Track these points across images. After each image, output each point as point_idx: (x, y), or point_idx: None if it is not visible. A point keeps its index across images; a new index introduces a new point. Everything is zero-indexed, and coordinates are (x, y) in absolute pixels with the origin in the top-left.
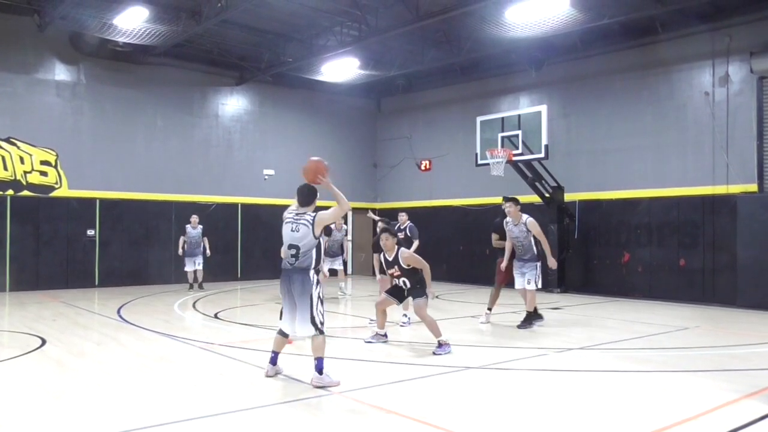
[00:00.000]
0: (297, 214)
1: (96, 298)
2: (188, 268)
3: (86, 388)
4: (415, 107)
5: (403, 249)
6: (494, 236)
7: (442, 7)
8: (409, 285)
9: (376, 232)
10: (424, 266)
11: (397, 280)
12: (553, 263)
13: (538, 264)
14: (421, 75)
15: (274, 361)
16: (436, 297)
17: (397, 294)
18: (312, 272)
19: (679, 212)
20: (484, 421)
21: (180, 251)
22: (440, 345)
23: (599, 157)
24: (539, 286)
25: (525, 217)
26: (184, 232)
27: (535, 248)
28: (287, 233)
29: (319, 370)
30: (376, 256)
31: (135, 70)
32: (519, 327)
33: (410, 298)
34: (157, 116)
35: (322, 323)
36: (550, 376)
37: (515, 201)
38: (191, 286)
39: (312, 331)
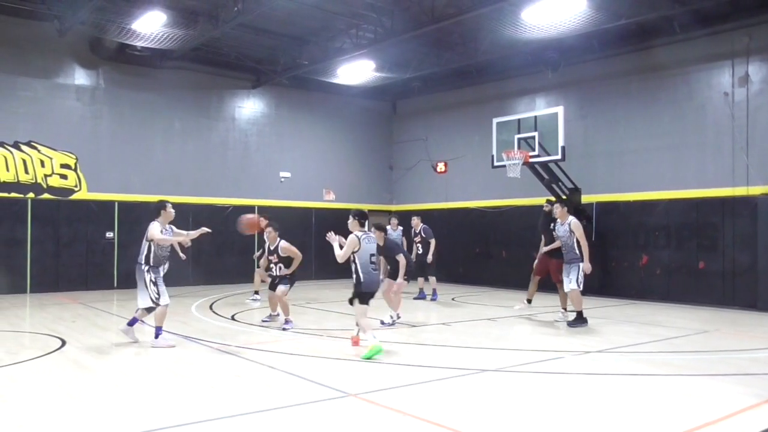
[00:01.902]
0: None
1: (114, 299)
2: None
3: (105, 388)
4: (430, 109)
5: (282, 241)
6: (544, 237)
7: (458, 9)
8: (282, 272)
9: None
10: (297, 256)
11: (274, 266)
12: (587, 267)
13: (580, 264)
14: (436, 77)
15: (132, 323)
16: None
17: (273, 286)
18: (143, 264)
19: (698, 214)
20: (500, 425)
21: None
22: (287, 321)
23: (617, 158)
24: (580, 287)
25: (570, 218)
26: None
27: (577, 249)
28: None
29: (156, 335)
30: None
31: (153, 74)
32: (569, 325)
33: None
34: (174, 119)
35: (157, 298)
36: (567, 379)
37: (562, 203)
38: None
39: (149, 303)
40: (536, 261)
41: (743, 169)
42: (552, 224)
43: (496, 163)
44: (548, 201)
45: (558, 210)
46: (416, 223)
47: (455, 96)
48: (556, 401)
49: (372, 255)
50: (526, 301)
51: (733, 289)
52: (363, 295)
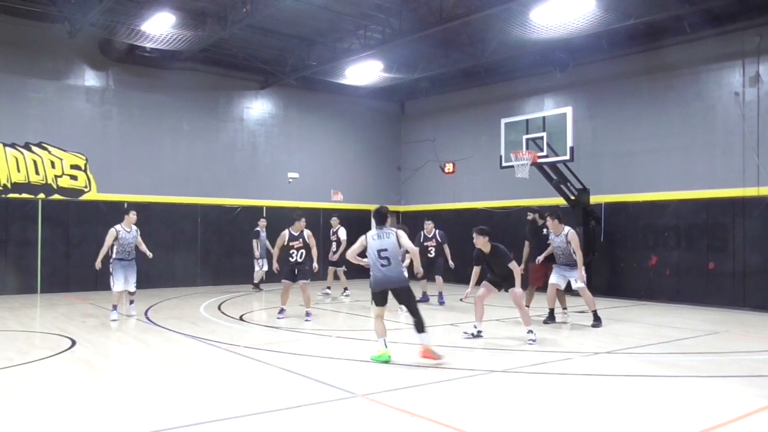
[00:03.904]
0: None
1: (124, 300)
2: (258, 268)
3: (115, 388)
4: (438, 110)
5: (308, 231)
6: (527, 244)
7: (466, 9)
8: (303, 258)
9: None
10: (314, 246)
11: (295, 252)
12: (582, 276)
13: (583, 269)
14: (444, 77)
15: (115, 308)
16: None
17: (292, 277)
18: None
19: (708, 214)
20: (509, 426)
21: (256, 253)
22: (308, 314)
23: (625, 159)
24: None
25: (567, 229)
26: (257, 236)
27: (575, 256)
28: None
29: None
30: (476, 269)
31: (162, 75)
32: (593, 326)
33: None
34: (183, 120)
35: (112, 285)
36: (575, 380)
37: (555, 215)
38: (256, 286)
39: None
40: (531, 271)
41: (754, 169)
42: (541, 232)
43: (504, 164)
44: (531, 210)
45: (550, 223)
46: (429, 227)
47: (463, 96)
48: (564, 402)
49: (380, 251)
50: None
51: (744, 290)
52: (373, 295)
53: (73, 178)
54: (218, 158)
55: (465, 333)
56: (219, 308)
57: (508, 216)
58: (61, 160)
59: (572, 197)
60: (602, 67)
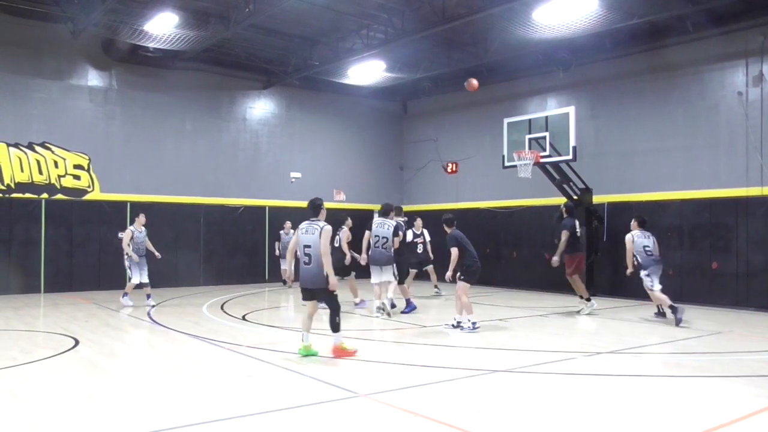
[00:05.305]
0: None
1: (142, 294)
2: (284, 267)
3: (117, 388)
4: (441, 109)
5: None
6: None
7: (469, 9)
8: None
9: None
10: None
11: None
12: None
13: (641, 272)
14: (447, 77)
15: (126, 295)
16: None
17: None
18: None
19: (711, 214)
20: (512, 426)
21: (277, 252)
22: (363, 302)
23: (628, 158)
24: (653, 287)
25: (630, 232)
26: (278, 238)
27: (637, 258)
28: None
29: (123, 296)
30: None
31: (165, 75)
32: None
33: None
34: (186, 120)
35: (130, 277)
36: (578, 380)
37: (638, 219)
38: (285, 282)
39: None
40: (565, 262)
41: (757, 169)
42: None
43: (506, 164)
44: (566, 208)
45: (634, 224)
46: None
47: (466, 96)
48: (567, 402)
49: (305, 246)
50: (585, 301)
51: (747, 290)
52: (301, 290)
53: (77, 177)
54: (221, 158)
55: (446, 325)
56: (222, 308)
57: (511, 216)
58: (64, 159)
59: (575, 197)
60: (605, 66)
